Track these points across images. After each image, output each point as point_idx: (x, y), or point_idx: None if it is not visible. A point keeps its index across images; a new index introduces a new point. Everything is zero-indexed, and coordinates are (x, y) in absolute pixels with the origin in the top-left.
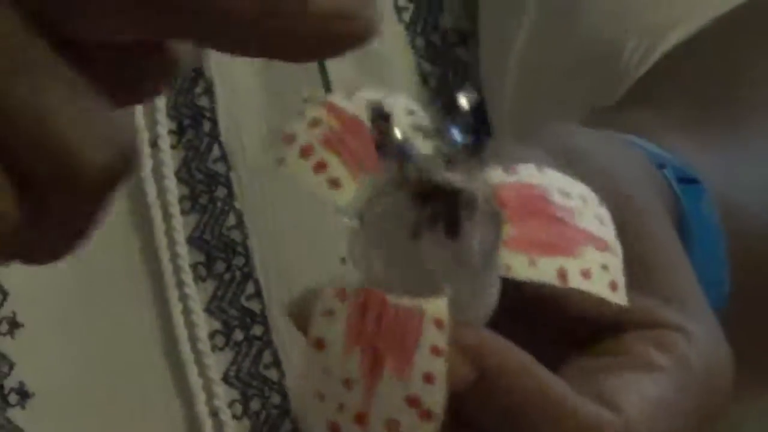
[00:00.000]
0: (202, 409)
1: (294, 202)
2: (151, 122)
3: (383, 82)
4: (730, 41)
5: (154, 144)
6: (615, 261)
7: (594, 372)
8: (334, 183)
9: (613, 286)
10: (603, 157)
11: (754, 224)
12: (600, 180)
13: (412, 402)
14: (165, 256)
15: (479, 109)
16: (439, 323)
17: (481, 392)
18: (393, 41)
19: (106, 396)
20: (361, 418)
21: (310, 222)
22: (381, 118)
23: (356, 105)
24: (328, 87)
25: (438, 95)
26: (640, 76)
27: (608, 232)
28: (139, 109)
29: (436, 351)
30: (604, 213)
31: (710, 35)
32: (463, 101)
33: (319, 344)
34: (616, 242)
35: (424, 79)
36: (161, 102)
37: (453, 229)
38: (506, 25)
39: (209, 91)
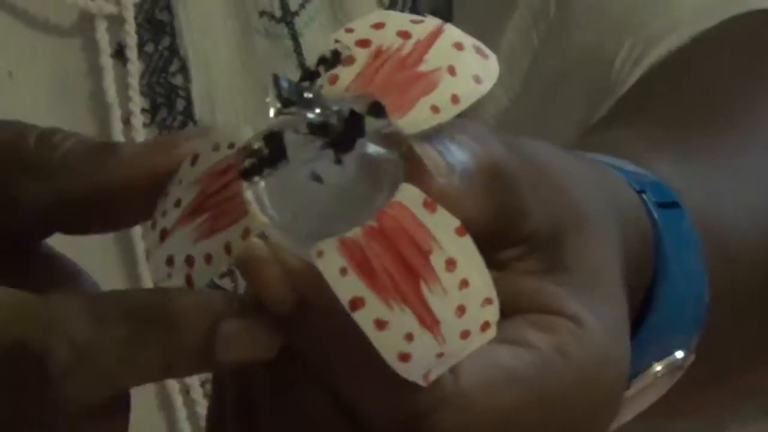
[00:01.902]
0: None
1: None
2: (124, 100)
3: None
4: (715, 55)
5: (126, 122)
6: (429, 344)
7: None
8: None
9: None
10: (552, 158)
11: (736, 243)
12: (542, 173)
13: None
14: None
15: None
16: (246, 232)
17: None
18: None
19: None
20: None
21: None
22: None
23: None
24: (303, 66)
25: None
26: (629, 87)
27: (455, 326)
28: (111, 86)
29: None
30: (476, 313)
31: (697, 48)
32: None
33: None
34: (454, 340)
35: None
36: (134, 80)
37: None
38: (492, 20)
39: (184, 69)
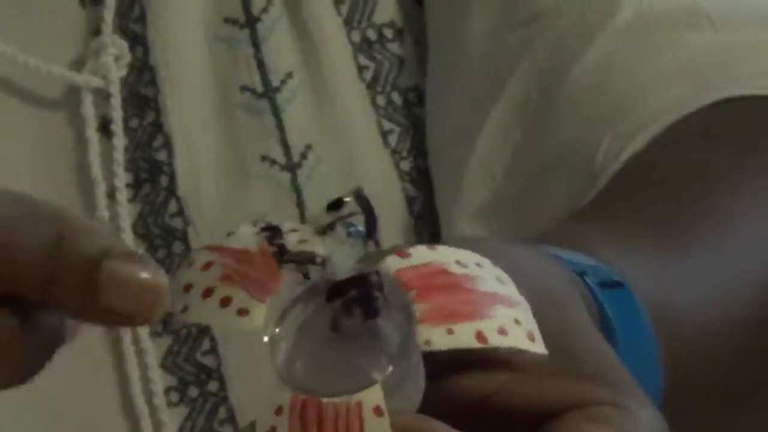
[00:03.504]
0: None
1: None
2: (108, 174)
3: (344, 139)
4: (683, 147)
5: (111, 196)
6: (525, 314)
7: None
8: (242, 312)
9: (531, 337)
10: (521, 257)
11: (688, 332)
12: (517, 276)
13: None
14: None
15: (365, 200)
16: (378, 410)
17: None
18: (354, 99)
19: None
20: None
21: None
22: (272, 233)
23: (240, 239)
24: (285, 143)
25: (395, 154)
26: (606, 182)
27: (510, 289)
28: (96, 161)
29: None
30: (501, 273)
31: (669, 140)
32: (348, 197)
33: None
34: (520, 297)
35: (384, 136)
36: (119, 154)
37: (369, 309)
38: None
39: (167, 145)
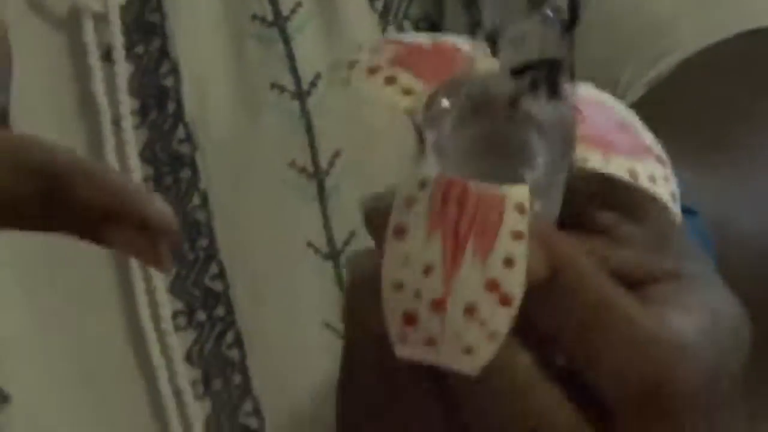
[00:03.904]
0: (165, 387)
1: (260, 183)
2: (113, 101)
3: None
4: (715, 74)
5: (116, 123)
6: (671, 175)
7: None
8: (407, 91)
9: (674, 197)
10: None
11: (748, 253)
12: None
13: (492, 286)
14: None
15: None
16: (521, 208)
17: (553, 289)
18: (366, 29)
19: (67, 373)
20: (438, 305)
21: (275, 203)
22: (472, 3)
23: (417, 38)
24: (294, 72)
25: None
26: (634, 103)
27: (662, 150)
28: (100, 88)
29: (517, 235)
30: (654, 139)
31: (698, 65)
32: None
33: (400, 231)
34: (668, 160)
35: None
36: (123, 81)
37: (556, 89)
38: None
39: (174, 71)
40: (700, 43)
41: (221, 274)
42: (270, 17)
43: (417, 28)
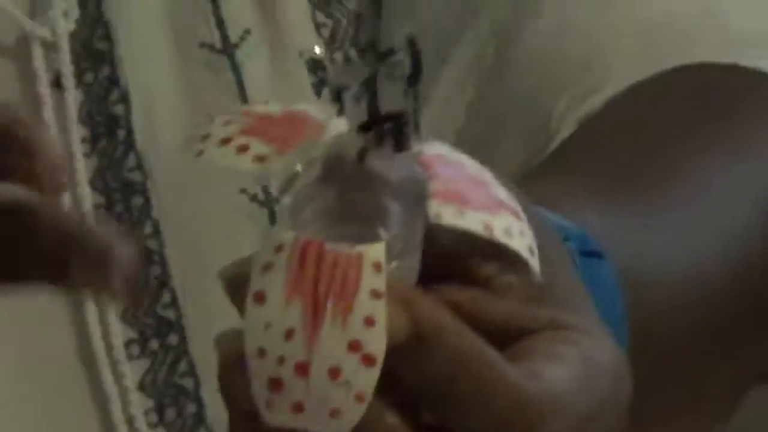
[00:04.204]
0: (118, 416)
1: (211, 210)
2: (62, 129)
3: (301, 97)
4: (646, 107)
5: (66, 151)
6: (528, 230)
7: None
8: (260, 159)
9: (531, 250)
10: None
11: (657, 295)
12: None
13: (354, 347)
14: None
15: (413, 44)
16: (377, 266)
17: (417, 350)
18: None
19: (20, 400)
20: (302, 369)
21: (226, 230)
22: (316, 64)
23: (267, 108)
24: (244, 99)
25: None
26: (563, 139)
27: (518, 206)
28: (50, 117)
29: (375, 294)
30: (507, 192)
31: (629, 100)
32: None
33: (260, 297)
34: (525, 216)
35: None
36: (73, 109)
37: (402, 143)
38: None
39: (124, 99)
40: (630, 79)
41: (174, 303)
42: (218, 45)
43: (363, 55)
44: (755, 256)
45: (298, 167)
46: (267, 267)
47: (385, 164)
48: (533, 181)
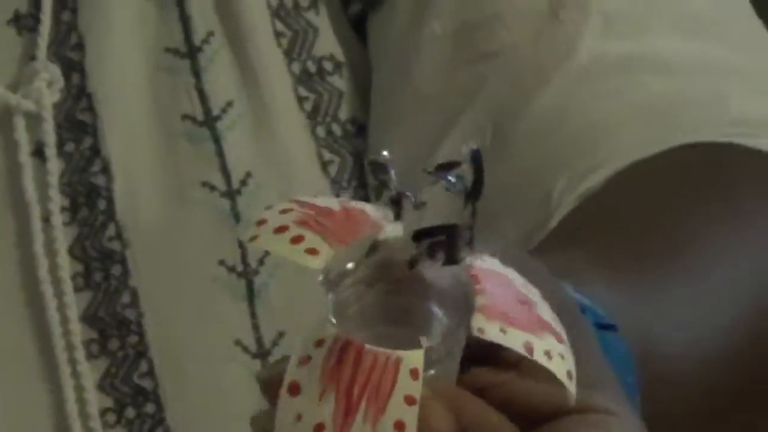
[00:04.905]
0: None
1: (190, 280)
2: (43, 197)
3: (284, 167)
4: (645, 186)
5: (45, 219)
6: (569, 354)
7: None
8: (312, 251)
9: (570, 375)
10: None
11: (670, 368)
12: (544, 281)
13: None
14: (57, 332)
15: (477, 159)
16: (414, 373)
17: None
18: (295, 129)
19: None
20: None
21: (205, 301)
22: (379, 167)
23: (325, 199)
24: (225, 170)
25: (335, 184)
26: (565, 215)
27: (561, 327)
28: (30, 184)
29: (409, 400)
30: (556, 316)
31: (633, 177)
32: (465, 149)
33: (294, 389)
34: (566, 338)
35: (324, 166)
36: (54, 178)
37: (453, 256)
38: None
39: (106, 169)
40: (632, 157)
41: (150, 372)
42: (200, 117)
43: (345, 130)
44: (756, 334)
45: (349, 265)
46: (305, 359)
47: (435, 273)
48: (544, 254)
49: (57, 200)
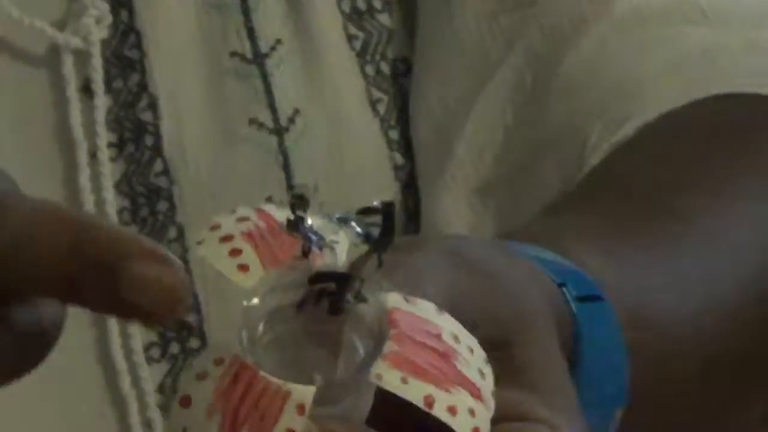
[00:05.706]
0: (135, 419)
1: None
2: (90, 134)
3: (333, 105)
4: (672, 140)
5: (93, 155)
6: (484, 413)
7: None
8: (243, 267)
9: None
10: (498, 262)
11: (668, 336)
12: (487, 282)
13: None
14: None
15: (389, 214)
16: (300, 408)
17: None
18: (344, 67)
19: (39, 400)
20: None
21: None
22: (299, 200)
23: (285, 212)
24: (273, 108)
25: (384, 122)
26: (586, 172)
27: (487, 386)
28: (77, 121)
29: None
30: (488, 370)
31: (657, 130)
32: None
33: (185, 402)
34: (491, 398)
35: (373, 105)
36: (101, 114)
37: (335, 306)
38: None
39: (153, 105)
40: (663, 107)
41: (197, 308)
42: (249, 54)
43: (395, 68)
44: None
45: (254, 301)
46: (202, 375)
47: (364, 307)
48: (553, 215)
49: (104, 136)
